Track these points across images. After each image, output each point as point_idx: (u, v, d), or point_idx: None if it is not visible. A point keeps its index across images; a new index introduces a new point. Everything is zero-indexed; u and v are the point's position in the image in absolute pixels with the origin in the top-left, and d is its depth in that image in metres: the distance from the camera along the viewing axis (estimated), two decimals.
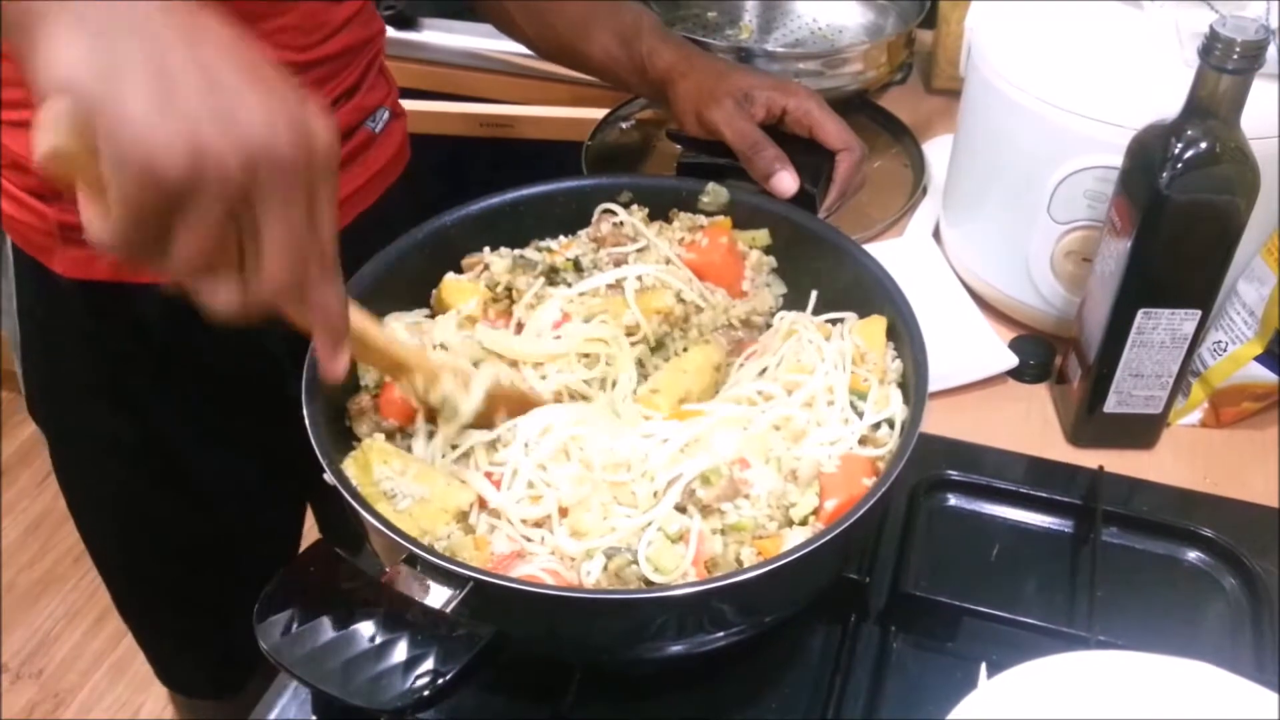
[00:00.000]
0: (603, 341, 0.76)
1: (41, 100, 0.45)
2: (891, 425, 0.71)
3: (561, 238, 0.84)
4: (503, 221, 0.82)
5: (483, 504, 0.67)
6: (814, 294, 0.82)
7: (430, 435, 0.71)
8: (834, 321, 0.78)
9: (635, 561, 0.62)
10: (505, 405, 0.71)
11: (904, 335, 0.73)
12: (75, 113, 0.44)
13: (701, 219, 0.84)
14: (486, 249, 0.82)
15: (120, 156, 0.44)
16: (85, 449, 1.03)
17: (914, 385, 0.70)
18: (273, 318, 0.51)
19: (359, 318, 0.62)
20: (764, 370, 0.76)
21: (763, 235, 0.84)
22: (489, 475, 0.67)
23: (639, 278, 0.79)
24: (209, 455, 1.02)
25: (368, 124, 0.97)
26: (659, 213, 0.85)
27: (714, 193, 0.83)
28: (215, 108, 0.45)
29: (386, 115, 0.99)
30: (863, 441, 0.70)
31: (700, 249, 0.82)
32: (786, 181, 0.83)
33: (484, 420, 0.70)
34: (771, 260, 0.84)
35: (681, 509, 0.66)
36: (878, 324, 0.76)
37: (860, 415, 0.71)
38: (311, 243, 0.49)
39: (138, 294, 0.90)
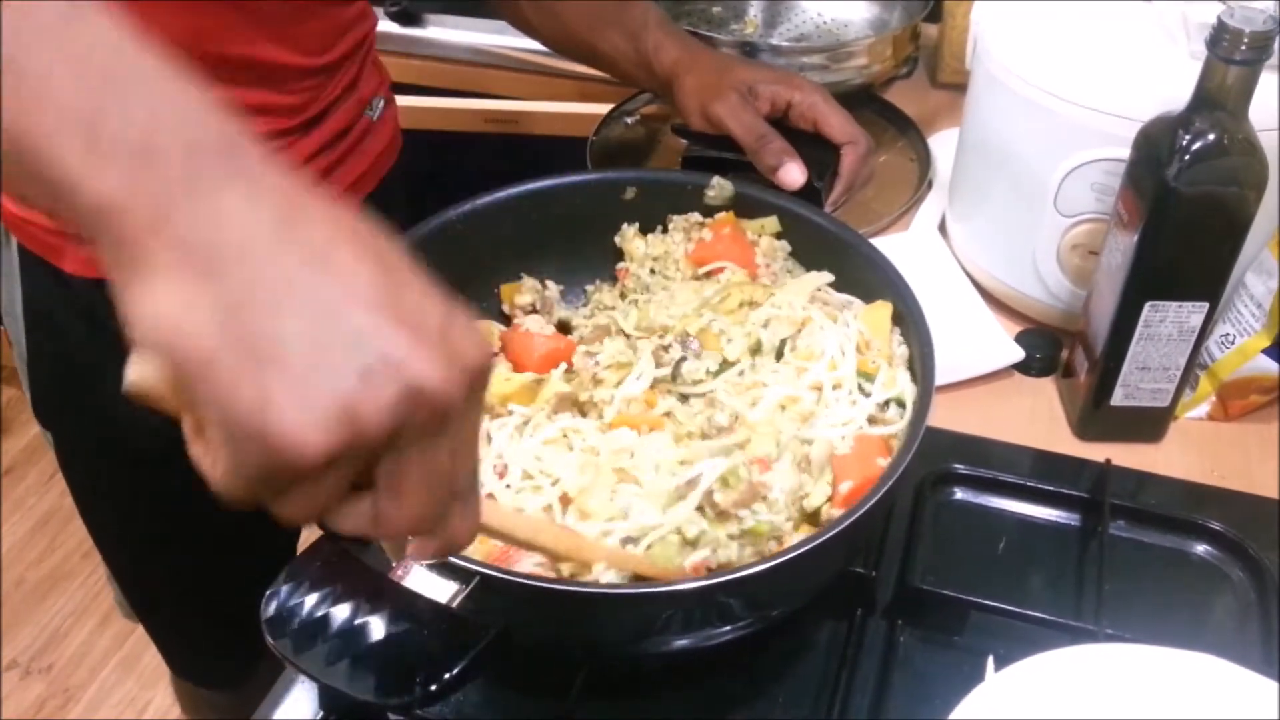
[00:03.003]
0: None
1: (132, 324, 0.37)
2: (901, 405, 0.71)
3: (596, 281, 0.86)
4: (508, 217, 0.82)
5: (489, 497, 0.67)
6: (827, 275, 0.81)
7: None
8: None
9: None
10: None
11: (910, 329, 0.73)
12: (170, 371, 0.36)
13: (696, 216, 0.83)
14: (525, 276, 0.84)
15: (237, 431, 0.36)
16: (92, 446, 1.03)
17: (921, 379, 0.70)
18: None
19: (498, 515, 0.55)
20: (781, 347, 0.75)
21: (771, 222, 0.83)
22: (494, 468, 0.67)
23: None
24: None
25: (366, 113, 0.98)
26: (660, 211, 0.85)
27: (719, 186, 0.83)
28: (377, 355, 0.36)
29: (381, 103, 1.01)
30: (871, 421, 0.70)
31: (706, 244, 0.82)
32: (794, 173, 0.83)
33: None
34: (785, 244, 0.84)
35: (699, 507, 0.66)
36: (883, 309, 0.75)
37: (867, 395, 0.71)
38: (455, 477, 0.41)
39: None
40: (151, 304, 0.36)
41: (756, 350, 0.75)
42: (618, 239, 0.85)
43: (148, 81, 0.37)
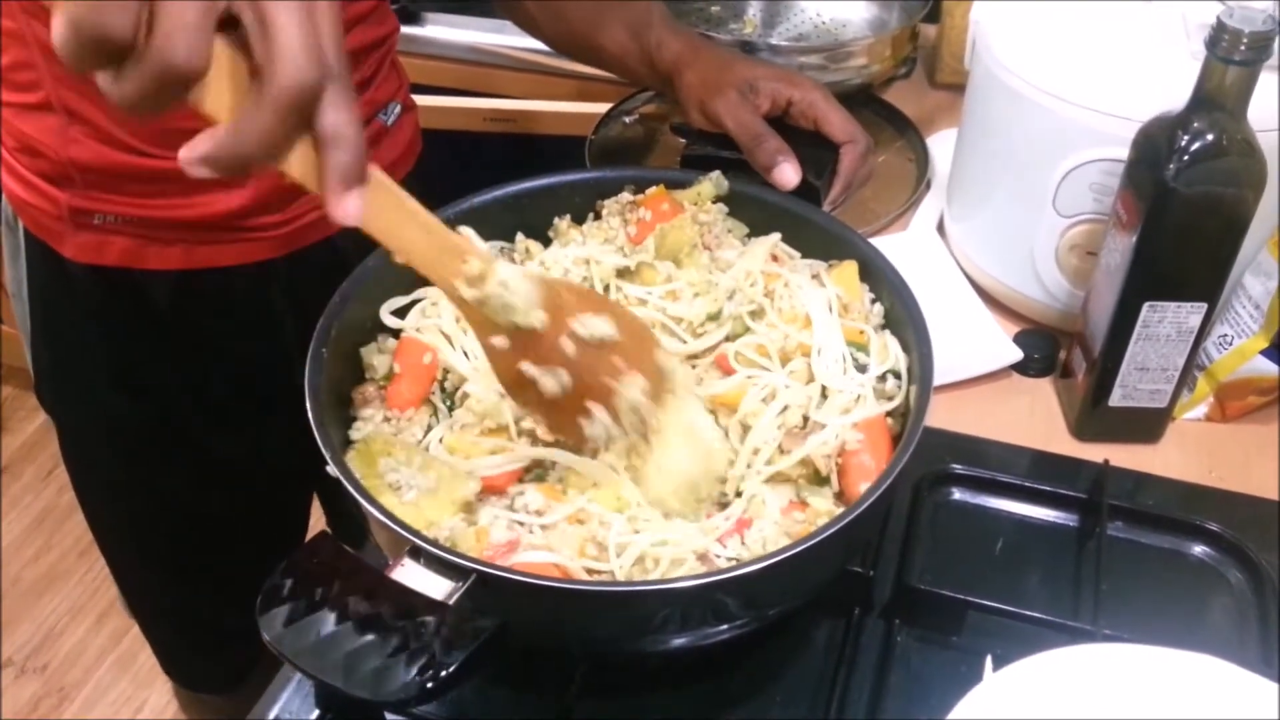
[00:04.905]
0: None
1: None
2: (897, 375, 0.72)
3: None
4: (506, 215, 0.82)
5: (487, 493, 0.67)
6: (776, 235, 0.81)
7: (430, 427, 0.71)
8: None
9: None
10: (573, 307, 0.62)
11: (909, 328, 0.73)
12: None
13: (626, 195, 0.82)
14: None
15: None
16: (94, 433, 1.03)
17: (919, 378, 0.70)
18: (268, 159, 0.43)
19: (384, 177, 0.51)
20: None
21: (706, 187, 0.82)
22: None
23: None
24: (217, 440, 1.02)
25: (380, 117, 0.98)
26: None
27: (715, 181, 0.83)
28: None
29: (398, 109, 1.00)
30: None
31: (647, 224, 0.80)
32: (788, 173, 0.83)
33: (550, 336, 0.61)
34: (722, 206, 0.82)
35: None
36: (850, 269, 0.76)
37: (863, 369, 0.72)
38: (325, 29, 0.43)
39: (148, 279, 0.90)
40: None
41: (715, 317, 0.74)
42: (551, 233, 0.83)
43: None
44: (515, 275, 0.59)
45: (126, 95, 0.40)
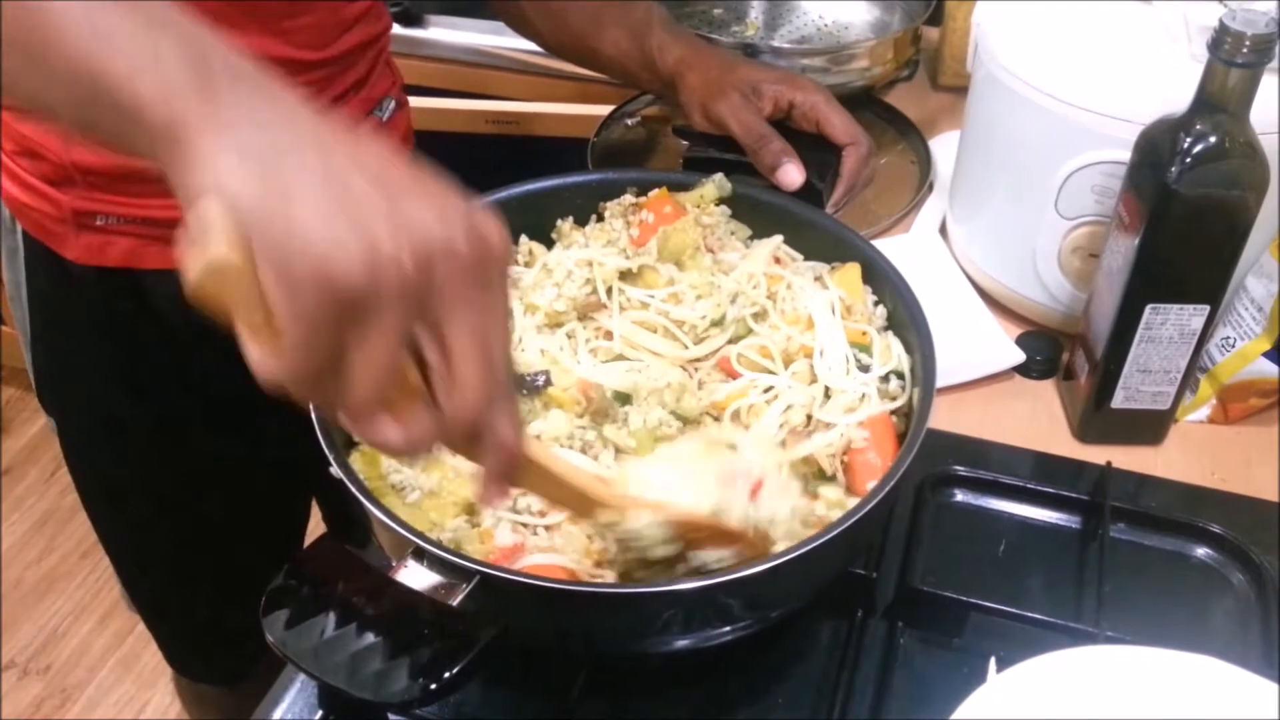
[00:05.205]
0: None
1: (190, 206, 0.41)
2: (900, 376, 0.72)
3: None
4: (510, 217, 0.82)
5: None
6: (779, 237, 0.81)
7: None
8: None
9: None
10: (703, 543, 0.61)
11: (911, 330, 0.73)
12: (234, 220, 0.40)
13: (629, 197, 0.83)
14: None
15: (289, 263, 0.40)
16: (95, 434, 1.04)
17: (922, 380, 0.70)
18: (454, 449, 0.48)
19: (533, 445, 0.54)
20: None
21: (709, 190, 0.82)
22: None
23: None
24: (218, 440, 1.02)
25: (375, 113, 0.98)
26: None
27: (717, 183, 0.83)
28: (388, 210, 0.41)
29: (392, 104, 1.01)
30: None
31: (649, 225, 0.80)
32: (793, 174, 0.83)
33: (678, 557, 0.61)
34: (725, 209, 0.83)
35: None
36: (853, 271, 0.76)
37: (866, 369, 0.72)
38: (497, 353, 0.45)
39: (150, 279, 0.90)
40: (207, 159, 0.41)
41: (719, 322, 0.74)
42: (553, 234, 0.83)
43: (186, 25, 0.45)
44: (649, 524, 0.59)
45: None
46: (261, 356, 0.42)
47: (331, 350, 0.42)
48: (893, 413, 0.71)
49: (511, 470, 0.50)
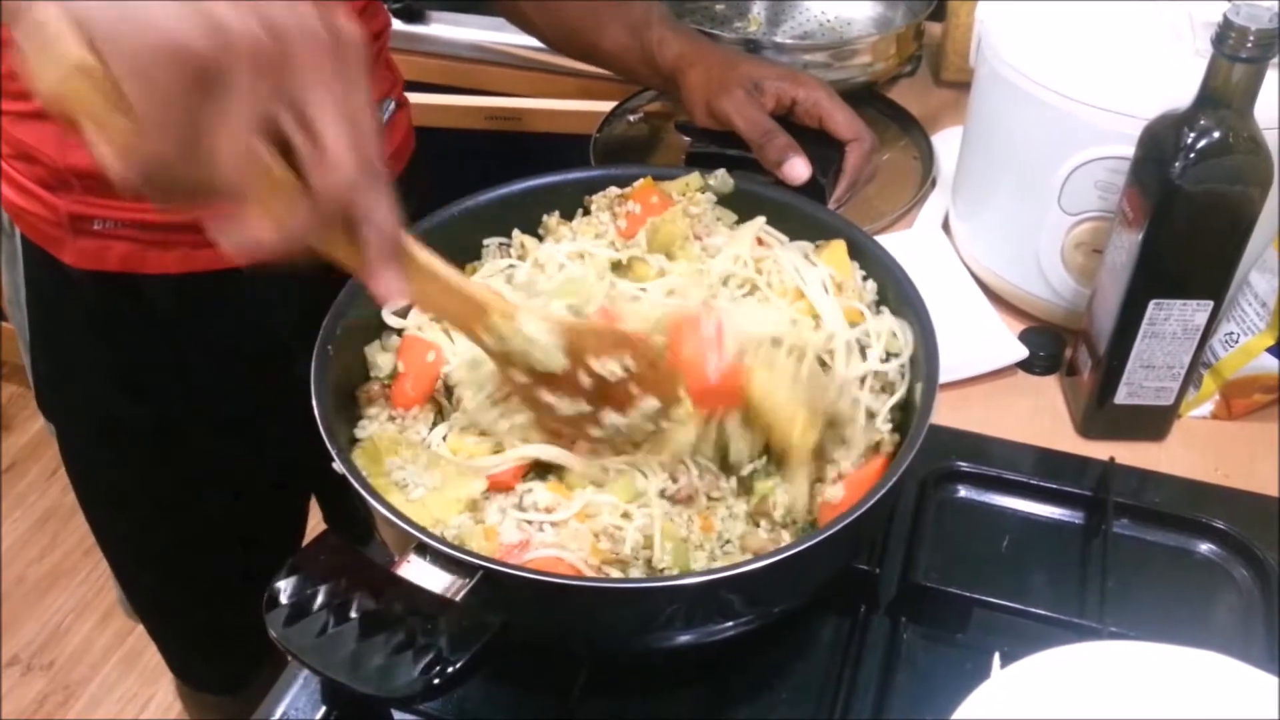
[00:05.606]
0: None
1: (17, 22, 0.41)
2: (897, 356, 0.72)
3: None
4: (511, 213, 0.82)
5: (494, 491, 0.67)
6: (761, 218, 0.81)
7: (434, 425, 0.71)
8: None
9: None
10: (594, 349, 0.63)
11: (915, 326, 0.73)
12: (76, 19, 0.39)
13: (614, 190, 0.82)
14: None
15: (138, 47, 0.40)
16: (94, 438, 1.03)
17: (925, 375, 0.70)
18: (310, 253, 0.47)
19: (416, 245, 0.55)
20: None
21: (695, 178, 0.82)
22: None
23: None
24: (219, 442, 1.02)
25: None
26: None
27: (720, 179, 0.83)
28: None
29: (392, 106, 1.00)
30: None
31: (636, 216, 0.80)
32: (799, 168, 0.83)
33: (571, 375, 0.64)
34: (710, 196, 0.82)
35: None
36: (838, 247, 0.76)
37: (865, 348, 0.72)
38: (368, 131, 0.45)
39: (148, 283, 0.90)
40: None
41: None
42: (540, 230, 0.83)
43: None
44: (539, 328, 0.61)
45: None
46: (114, 153, 0.41)
47: (187, 127, 0.41)
48: (891, 408, 0.71)
49: (395, 252, 0.49)
